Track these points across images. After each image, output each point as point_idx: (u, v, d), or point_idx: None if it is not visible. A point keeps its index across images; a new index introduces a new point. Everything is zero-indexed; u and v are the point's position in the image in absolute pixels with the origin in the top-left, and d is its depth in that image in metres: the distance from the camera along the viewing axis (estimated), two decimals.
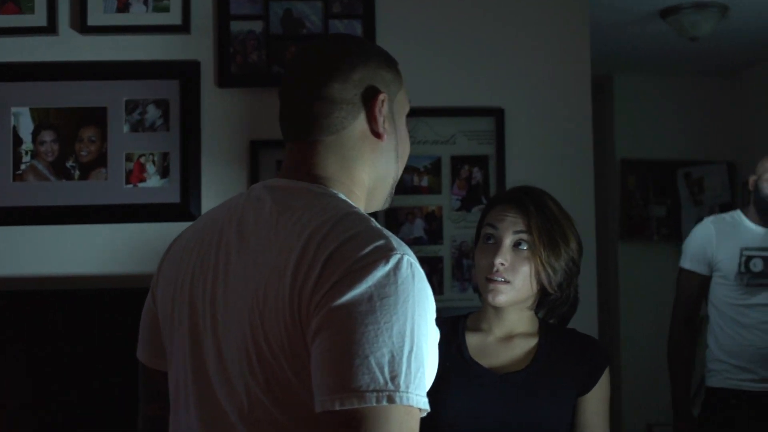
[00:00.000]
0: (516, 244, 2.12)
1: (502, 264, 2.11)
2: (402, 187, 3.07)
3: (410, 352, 1.24)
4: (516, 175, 3.08)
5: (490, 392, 2.11)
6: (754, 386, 3.61)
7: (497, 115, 3.17)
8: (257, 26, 3.10)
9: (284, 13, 3.10)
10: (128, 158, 3.04)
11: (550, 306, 2.24)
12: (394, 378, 1.22)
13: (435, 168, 3.16)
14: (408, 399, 1.22)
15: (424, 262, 3.06)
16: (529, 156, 3.19)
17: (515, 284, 2.12)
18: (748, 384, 3.62)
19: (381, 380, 1.21)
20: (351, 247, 1.29)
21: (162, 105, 3.05)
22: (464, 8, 3.21)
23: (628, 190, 6.29)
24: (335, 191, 1.47)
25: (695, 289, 3.80)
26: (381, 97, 1.52)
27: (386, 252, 1.29)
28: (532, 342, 2.21)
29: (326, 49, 1.58)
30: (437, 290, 3.10)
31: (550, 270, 2.13)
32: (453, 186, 3.16)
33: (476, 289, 3.03)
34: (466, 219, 3.15)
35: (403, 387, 1.22)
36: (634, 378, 6.10)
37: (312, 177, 1.50)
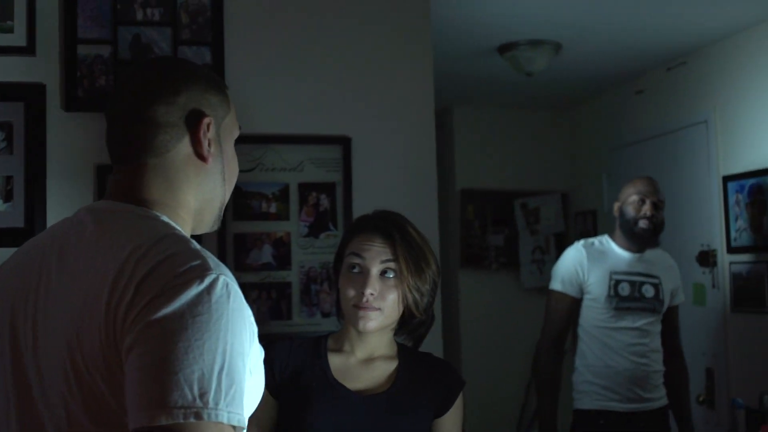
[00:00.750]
0: (382, 272, 2.18)
1: (372, 294, 2.16)
2: (250, 213, 3.11)
3: (221, 369, 1.26)
4: (362, 202, 3.13)
5: (354, 413, 2.15)
6: (621, 406, 3.75)
7: (344, 143, 3.23)
8: (105, 50, 3.06)
9: (133, 39, 3.09)
10: None
11: (412, 328, 2.30)
12: (203, 395, 1.24)
13: (283, 195, 3.19)
14: (217, 416, 1.24)
15: (272, 287, 3.10)
16: (376, 184, 3.26)
17: (384, 311, 2.17)
18: (615, 404, 3.75)
19: (189, 397, 1.23)
20: (167, 266, 1.32)
21: (5, 128, 2.96)
22: (313, 38, 3.26)
23: (467, 219, 6.45)
24: (157, 213, 1.50)
25: (565, 310, 3.89)
26: (206, 120, 1.54)
27: (201, 272, 1.32)
28: (392, 365, 2.27)
29: (151, 71, 1.59)
30: (286, 315, 3.13)
31: (417, 294, 2.20)
32: (301, 212, 3.20)
33: (325, 314, 3.09)
34: (314, 245, 3.20)
35: (212, 404, 1.24)
36: (472, 398, 6.24)
37: (136, 200, 1.51)
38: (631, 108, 5.87)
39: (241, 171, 3.05)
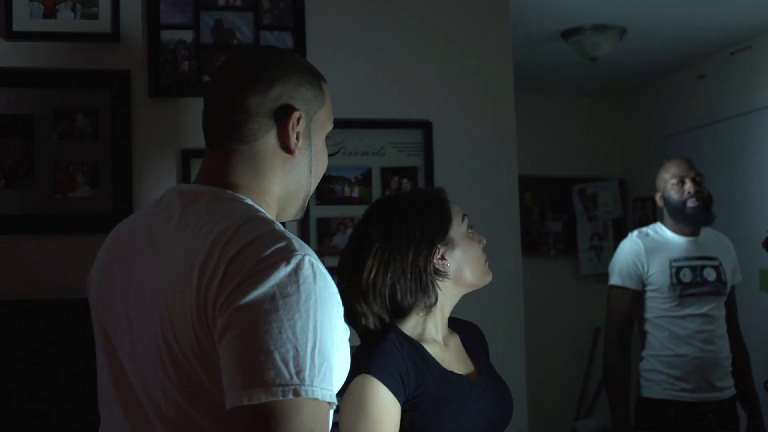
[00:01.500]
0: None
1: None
2: (333, 198, 3.11)
3: (314, 347, 1.30)
4: (444, 185, 3.11)
5: (482, 400, 2.15)
6: (690, 396, 3.72)
7: (425, 127, 3.23)
8: (188, 36, 3.08)
9: (215, 24, 3.10)
10: (57, 167, 2.96)
11: None
12: (299, 372, 1.28)
13: (365, 179, 3.19)
14: (313, 392, 1.29)
15: None
16: (456, 168, 3.25)
17: None
18: (685, 395, 3.72)
19: (287, 375, 1.27)
20: (253, 249, 1.36)
21: (91, 114, 2.99)
22: (394, 23, 3.26)
23: (525, 205, 6.44)
24: (242, 196, 1.53)
25: (628, 304, 3.86)
26: (296, 114, 1.57)
27: (287, 253, 1.35)
28: (456, 339, 2.29)
29: (249, 60, 1.63)
30: None
31: None
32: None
33: None
34: None
35: (308, 381, 1.28)
36: (535, 389, 6.23)
37: (223, 184, 1.56)
38: (692, 93, 5.82)
39: None
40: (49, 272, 2.93)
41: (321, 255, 3.03)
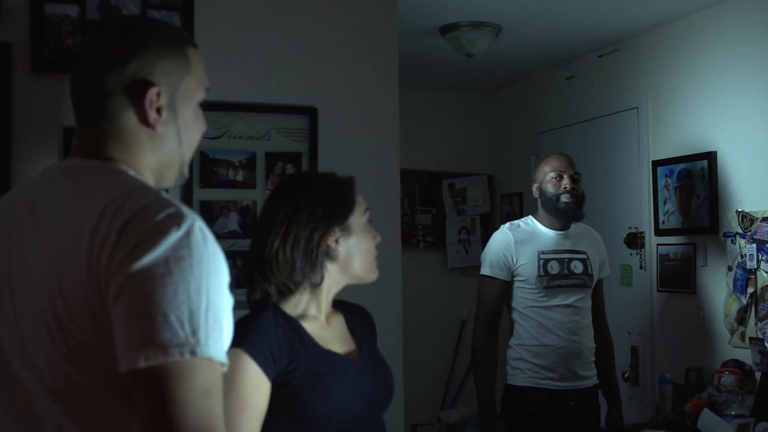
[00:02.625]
0: None
1: None
2: (217, 181, 3.10)
3: (207, 308, 1.32)
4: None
5: (361, 380, 2.18)
6: (554, 384, 3.80)
7: (311, 113, 3.25)
8: (73, 10, 3.02)
9: (102, 0, 3.05)
10: None
11: None
12: (194, 332, 1.29)
13: (250, 163, 3.20)
14: (209, 352, 1.30)
15: (238, 255, 3.10)
16: (340, 155, 3.29)
17: None
18: (549, 383, 3.81)
19: (182, 335, 1.28)
20: (145, 214, 1.36)
21: None
22: (282, 8, 3.27)
23: None
24: (125, 168, 1.52)
25: (496, 294, 3.91)
26: (153, 90, 1.53)
27: (178, 218, 1.36)
28: (341, 319, 2.32)
29: (106, 36, 1.60)
30: None
31: None
32: (267, 181, 3.21)
33: None
34: None
35: (203, 341, 1.30)
36: (398, 375, 6.31)
37: (102, 157, 1.53)
38: (560, 93, 6.00)
39: (208, 138, 3.09)
40: None
41: None
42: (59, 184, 1.50)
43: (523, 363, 3.86)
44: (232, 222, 3.16)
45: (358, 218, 2.24)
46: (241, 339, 1.98)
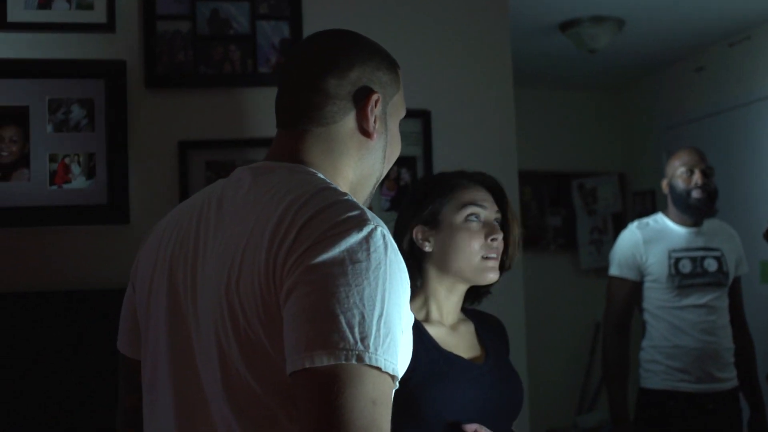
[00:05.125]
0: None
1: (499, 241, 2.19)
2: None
3: (380, 316, 1.26)
4: None
5: (481, 384, 2.13)
6: (690, 387, 3.68)
7: (424, 117, 3.21)
8: (184, 26, 3.06)
9: (211, 14, 3.08)
10: (52, 159, 2.94)
11: (486, 287, 2.32)
12: (364, 338, 1.23)
13: None
14: (377, 360, 1.24)
15: None
16: (456, 158, 3.22)
17: (498, 262, 2.20)
18: (684, 385, 3.68)
19: (351, 339, 1.23)
20: (327, 215, 1.33)
21: (87, 105, 2.96)
22: (391, 14, 3.24)
23: (524, 200, 6.42)
24: (315, 171, 1.51)
25: (626, 295, 3.83)
26: (374, 97, 1.55)
27: (360, 222, 1.32)
28: (471, 327, 2.27)
29: (329, 42, 1.62)
30: None
31: (516, 249, 2.20)
32: (383, 186, 3.17)
33: None
34: (395, 219, 3.17)
35: (372, 349, 1.24)
36: (537, 384, 6.22)
37: (296, 160, 1.53)
38: (690, 85, 5.80)
39: None
40: (45, 264, 2.91)
41: None
42: (245, 181, 1.51)
43: (657, 365, 3.75)
44: None
45: (453, 213, 2.17)
46: None
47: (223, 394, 1.39)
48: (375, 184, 1.66)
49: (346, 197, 1.40)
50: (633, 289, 3.82)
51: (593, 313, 6.37)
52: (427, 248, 2.17)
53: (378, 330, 1.25)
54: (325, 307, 1.24)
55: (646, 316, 3.83)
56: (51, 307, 2.78)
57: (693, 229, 3.80)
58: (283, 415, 1.35)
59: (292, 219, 1.34)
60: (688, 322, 3.69)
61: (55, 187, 2.94)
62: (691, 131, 5.74)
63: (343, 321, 1.23)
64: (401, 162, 3.19)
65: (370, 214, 1.37)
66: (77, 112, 2.96)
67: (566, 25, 4.86)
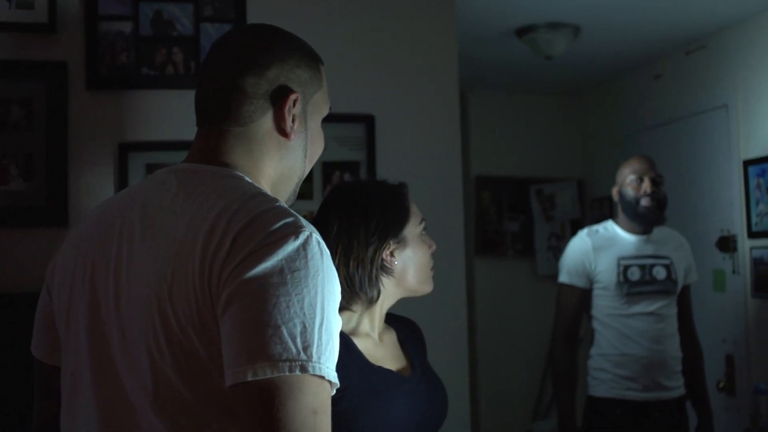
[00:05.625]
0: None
1: None
2: None
3: (321, 324, 1.26)
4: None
5: (417, 398, 2.11)
6: (637, 395, 3.68)
7: (368, 121, 3.20)
8: (126, 27, 3.04)
9: (154, 15, 3.06)
10: None
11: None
12: (306, 348, 1.23)
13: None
14: (320, 369, 1.24)
15: None
16: (399, 164, 3.23)
17: None
18: (631, 393, 3.69)
19: (294, 350, 1.22)
20: (261, 222, 1.32)
21: (26, 105, 2.94)
22: (336, 16, 3.23)
23: (482, 206, 6.42)
24: (241, 174, 1.49)
25: (575, 302, 3.84)
26: (292, 96, 1.53)
27: (296, 228, 1.32)
28: (393, 336, 2.24)
29: (248, 39, 1.59)
30: None
31: None
32: (324, 191, 3.16)
33: None
34: None
35: (315, 358, 1.24)
36: (492, 390, 6.24)
37: (219, 162, 1.52)
38: (648, 93, 5.82)
39: None
40: None
41: None
42: (171, 187, 1.48)
43: (605, 373, 3.76)
44: None
45: (413, 228, 2.16)
46: None
47: (152, 404, 1.37)
48: (297, 183, 1.64)
49: (277, 203, 1.39)
50: (582, 297, 3.83)
51: (550, 319, 6.37)
52: (396, 263, 2.15)
53: (320, 338, 1.26)
54: (267, 318, 1.24)
55: (595, 324, 3.83)
56: None
57: (642, 237, 3.81)
58: (215, 424, 1.33)
59: (226, 227, 1.32)
60: (636, 330, 3.70)
61: None
62: (649, 138, 5.76)
63: (285, 332, 1.23)
64: (344, 167, 3.18)
65: (303, 220, 1.36)
66: (16, 113, 2.93)
67: (522, 31, 4.85)
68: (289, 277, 1.26)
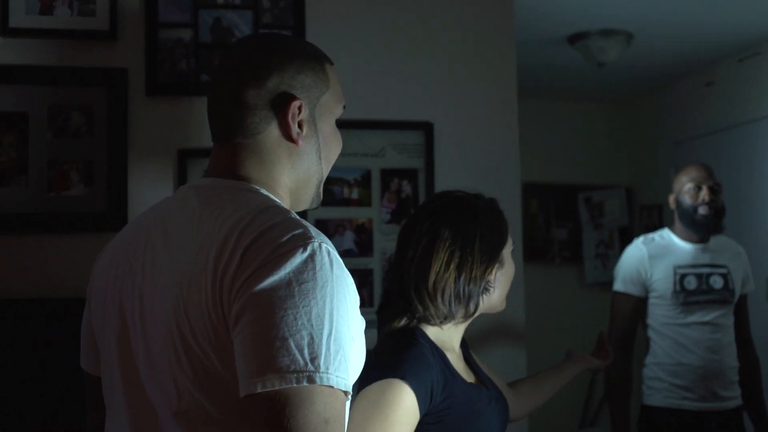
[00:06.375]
0: None
1: None
2: (332, 199, 3.06)
3: (329, 335, 1.28)
4: (445, 189, 3.08)
5: (500, 410, 2.12)
6: (693, 405, 3.65)
7: (426, 129, 3.19)
8: (186, 34, 3.04)
9: (214, 22, 3.06)
10: (51, 165, 2.92)
11: None
12: (314, 359, 1.26)
13: (365, 180, 3.15)
14: (328, 380, 1.26)
15: (354, 274, 3.01)
16: (458, 171, 3.21)
17: None
18: (687, 403, 3.66)
19: (301, 361, 1.25)
20: (270, 236, 1.35)
21: (87, 112, 2.95)
22: (395, 23, 3.22)
23: (530, 213, 6.39)
24: (257, 187, 1.52)
25: (630, 311, 3.81)
26: (295, 104, 1.54)
27: (304, 240, 1.34)
28: (457, 347, 2.21)
29: (247, 53, 1.60)
30: (367, 302, 3.07)
31: None
32: (383, 199, 3.15)
33: None
34: (396, 232, 3.13)
35: (323, 368, 1.26)
36: None
37: (235, 176, 1.55)
38: (700, 100, 5.77)
39: None
40: (42, 271, 2.89)
41: None
42: (191, 203, 1.51)
43: (660, 382, 3.72)
44: (348, 240, 3.11)
45: (508, 249, 2.15)
46: (402, 368, 1.90)
47: (174, 416, 1.40)
48: (318, 185, 1.65)
49: (289, 215, 1.41)
50: (637, 305, 3.79)
51: (597, 326, 6.32)
52: (494, 284, 2.13)
53: (328, 348, 1.28)
54: (274, 330, 1.26)
55: (650, 333, 3.80)
56: (49, 314, 2.77)
57: (699, 246, 3.77)
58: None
59: (236, 241, 1.35)
60: (693, 340, 3.66)
61: (53, 194, 2.92)
62: (700, 146, 5.70)
63: (292, 344, 1.26)
64: (403, 174, 3.17)
65: (314, 230, 1.38)
66: (77, 119, 2.94)
67: (575, 38, 4.83)
68: (296, 289, 1.29)
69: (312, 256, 1.31)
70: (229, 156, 1.56)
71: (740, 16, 4.51)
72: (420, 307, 2.02)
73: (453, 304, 2.02)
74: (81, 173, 2.94)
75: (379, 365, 1.89)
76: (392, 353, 1.95)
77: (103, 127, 2.96)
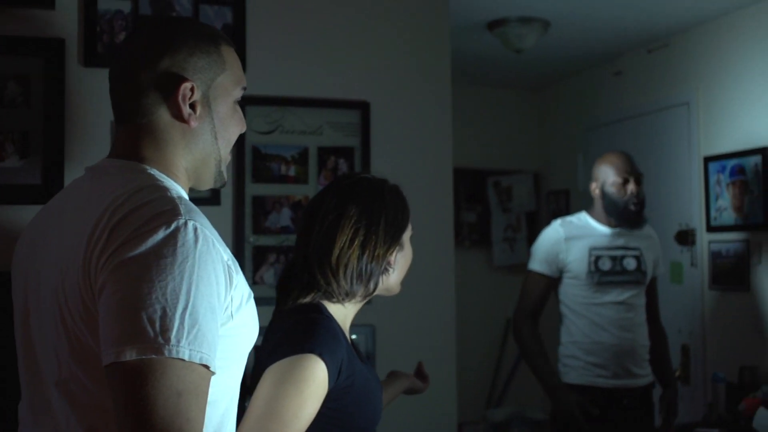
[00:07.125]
0: None
1: None
2: (269, 176, 3.08)
3: (184, 309, 1.33)
4: (380, 168, 3.13)
5: (379, 388, 2.17)
6: (608, 382, 3.77)
7: (363, 108, 3.23)
8: (126, 6, 3.01)
9: None
10: None
11: None
12: (164, 332, 1.30)
13: (302, 158, 3.18)
14: (179, 353, 1.31)
15: (291, 250, 3.07)
16: (393, 150, 3.26)
17: None
18: (602, 380, 3.78)
19: (151, 334, 1.30)
20: (138, 214, 1.39)
21: (23, 82, 2.89)
22: (334, 3, 3.25)
23: None
24: (146, 167, 1.55)
25: (542, 289, 3.89)
26: (186, 85, 1.57)
27: (170, 217, 1.38)
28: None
29: (143, 36, 1.63)
30: None
31: None
32: (320, 176, 3.18)
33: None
34: None
35: (173, 341, 1.30)
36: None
37: (130, 157, 1.58)
38: (608, 88, 5.94)
39: (260, 133, 3.07)
40: None
41: (256, 233, 3.03)
42: (85, 184, 1.56)
43: (576, 360, 3.83)
44: (285, 217, 3.13)
45: (408, 233, 2.20)
46: (318, 344, 1.92)
47: (56, 384, 1.47)
48: (216, 164, 1.67)
49: (164, 194, 1.45)
50: (549, 285, 3.90)
51: (504, 309, 6.47)
52: (393, 269, 2.16)
53: (182, 323, 1.32)
54: (129, 304, 1.31)
55: (565, 312, 3.89)
56: None
57: (615, 230, 3.87)
58: (108, 403, 1.38)
59: (108, 219, 1.40)
60: (607, 319, 3.77)
61: None
62: (608, 134, 5.87)
63: (144, 317, 1.30)
64: (339, 152, 3.21)
65: (185, 208, 1.42)
66: (12, 89, 2.89)
67: (494, 25, 4.92)
68: (154, 263, 1.33)
69: (174, 233, 1.36)
70: (128, 138, 1.59)
71: (650, 8, 4.66)
72: (323, 282, 2.03)
73: (354, 282, 2.05)
74: (16, 144, 2.88)
75: (290, 340, 1.92)
76: (304, 328, 1.97)
77: (40, 97, 2.90)
